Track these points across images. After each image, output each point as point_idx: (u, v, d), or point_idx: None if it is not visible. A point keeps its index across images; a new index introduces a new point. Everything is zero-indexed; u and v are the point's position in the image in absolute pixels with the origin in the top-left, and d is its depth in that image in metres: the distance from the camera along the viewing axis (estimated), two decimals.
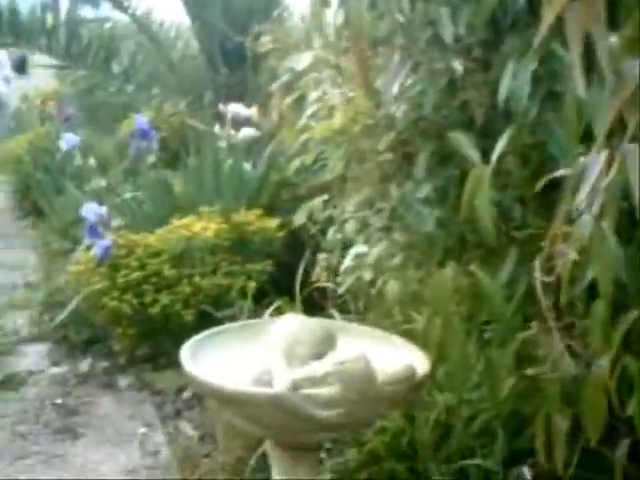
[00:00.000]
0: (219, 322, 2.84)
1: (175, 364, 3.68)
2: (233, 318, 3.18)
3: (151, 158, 4.48)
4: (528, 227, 1.89)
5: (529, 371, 1.71)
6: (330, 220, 2.51)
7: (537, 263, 1.46)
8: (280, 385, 1.69)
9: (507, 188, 1.88)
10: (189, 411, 3.54)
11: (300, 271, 2.97)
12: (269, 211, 4.19)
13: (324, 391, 1.69)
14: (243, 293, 3.62)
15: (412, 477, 2.52)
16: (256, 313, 3.13)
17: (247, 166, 4.55)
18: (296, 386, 1.69)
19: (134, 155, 4.54)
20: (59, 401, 3.67)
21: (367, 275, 2.04)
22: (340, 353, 1.77)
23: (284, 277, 3.67)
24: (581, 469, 2.01)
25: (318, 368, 1.73)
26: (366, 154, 1.98)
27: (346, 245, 2.31)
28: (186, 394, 3.65)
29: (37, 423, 3.47)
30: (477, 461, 2.48)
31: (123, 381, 3.86)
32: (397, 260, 1.91)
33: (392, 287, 1.91)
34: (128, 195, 4.44)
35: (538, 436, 1.76)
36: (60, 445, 3.28)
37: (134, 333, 3.87)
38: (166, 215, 4.14)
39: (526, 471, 1.91)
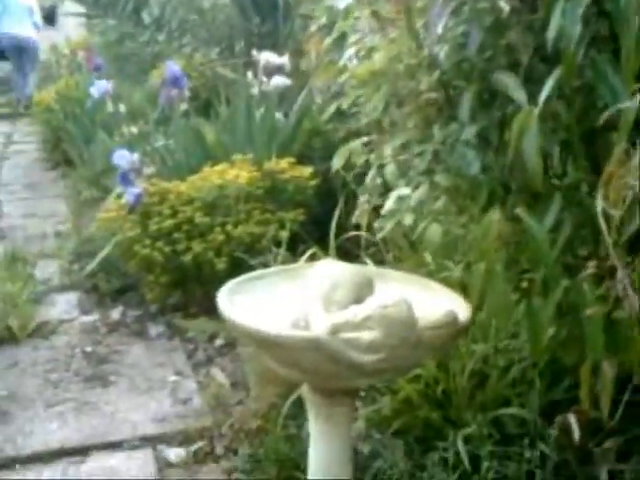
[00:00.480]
0: (252, 270, 2.81)
1: (207, 312, 3.73)
2: (266, 266, 3.15)
3: (183, 106, 4.42)
4: (573, 172, 1.85)
5: (589, 311, 1.67)
6: (367, 166, 2.47)
7: (600, 197, 1.41)
8: (320, 328, 1.66)
9: (553, 132, 1.83)
10: (221, 359, 3.54)
11: (335, 218, 2.94)
12: (301, 160, 4.15)
13: (364, 335, 1.66)
14: (276, 242, 3.60)
15: (446, 425, 2.50)
16: (289, 261, 3.10)
17: (278, 115, 4.50)
18: (336, 330, 1.66)
19: (165, 102, 4.49)
20: (90, 349, 3.68)
21: (408, 219, 1.99)
22: (380, 297, 1.74)
23: (316, 226, 3.65)
24: (625, 421, 1.98)
25: (359, 312, 1.70)
26: (407, 96, 1.94)
27: (386, 190, 2.26)
28: (218, 342, 3.64)
29: (68, 371, 3.48)
30: (513, 410, 2.47)
31: (154, 329, 3.86)
32: (440, 204, 1.87)
33: (435, 230, 1.87)
34: (160, 143, 4.41)
35: (583, 384, 1.73)
36: (91, 393, 3.28)
37: (166, 281, 3.85)
38: (198, 163, 4.11)
39: (572, 418, 1.87)
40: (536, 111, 1.66)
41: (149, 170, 3.90)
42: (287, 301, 1.92)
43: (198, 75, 6.04)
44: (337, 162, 2.46)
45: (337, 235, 3.12)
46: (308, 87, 4.46)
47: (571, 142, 1.84)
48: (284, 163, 4.02)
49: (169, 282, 3.86)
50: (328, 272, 1.90)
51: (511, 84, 1.79)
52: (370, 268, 2.20)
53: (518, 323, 2.48)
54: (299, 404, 2.62)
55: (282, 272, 2.13)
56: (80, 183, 5.69)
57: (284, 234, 3.47)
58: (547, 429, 2.38)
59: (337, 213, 3.01)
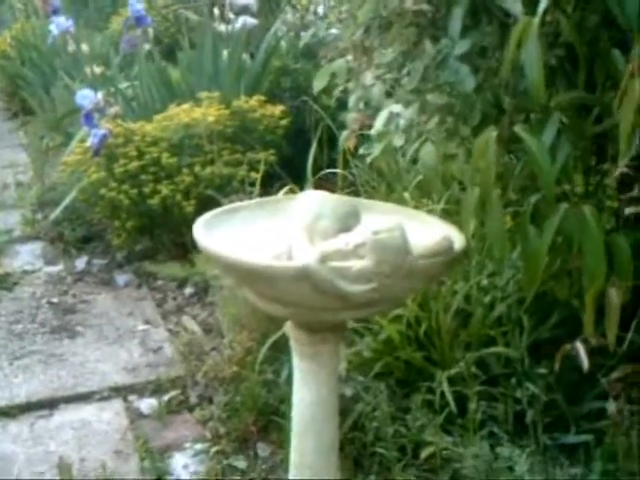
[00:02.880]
0: None
1: (176, 259, 3.63)
2: None
3: (146, 46, 4.27)
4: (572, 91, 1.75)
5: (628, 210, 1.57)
6: (345, 93, 2.35)
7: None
8: (308, 257, 1.55)
9: (550, 48, 1.72)
10: (191, 307, 3.46)
11: (312, 153, 2.84)
12: (270, 100, 4.02)
13: (355, 264, 1.55)
14: (247, 183, 3.48)
15: (429, 366, 2.44)
16: None
17: (245, 56, 4.37)
18: (325, 258, 1.54)
19: (128, 44, 4.33)
20: (55, 300, 3.59)
21: (399, 141, 1.88)
22: (372, 224, 1.62)
23: (287, 168, 3.55)
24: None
25: (349, 239, 1.58)
26: (392, 14, 1.82)
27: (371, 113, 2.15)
28: (188, 290, 3.55)
29: (34, 322, 3.40)
30: (497, 349, 2.40)
31: (121, 278, 3.76)
32: (431, 125, 1.76)
33: (429, 151, 1.75)
34: (124, 85, 4.26)
35: (587, 311, 1.64)
36: (58, 344, 3.21)
37: (133, 226, 3.72)
38: (163, 104, 3.98)
39: (579, 346, 1.78)
40: (536, 20, 1.54)
41: (113, 110, 3.75)
42: (268, 233, 1.81)
43: (161, 19, 5.88)
44: (318, 84, 2.32)
45: (312, 174, 3.02)
46: (275, 26, 4.34)
47: (571, 58, 1.73)
48: (253, 101, 3.89)
49: (136, 228, 3.74)
50: (310, 202, 1.78)
51: None
52: (355, 199, 2.08)
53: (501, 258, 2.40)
54: (276, 349, 2.55)
55: (261, 204, 2.00)
56: (41, 131, 5.52)
57: (255, 175, 3.35)
58: (534, 368, 2.32)
59: (313, 150, 2.91)
